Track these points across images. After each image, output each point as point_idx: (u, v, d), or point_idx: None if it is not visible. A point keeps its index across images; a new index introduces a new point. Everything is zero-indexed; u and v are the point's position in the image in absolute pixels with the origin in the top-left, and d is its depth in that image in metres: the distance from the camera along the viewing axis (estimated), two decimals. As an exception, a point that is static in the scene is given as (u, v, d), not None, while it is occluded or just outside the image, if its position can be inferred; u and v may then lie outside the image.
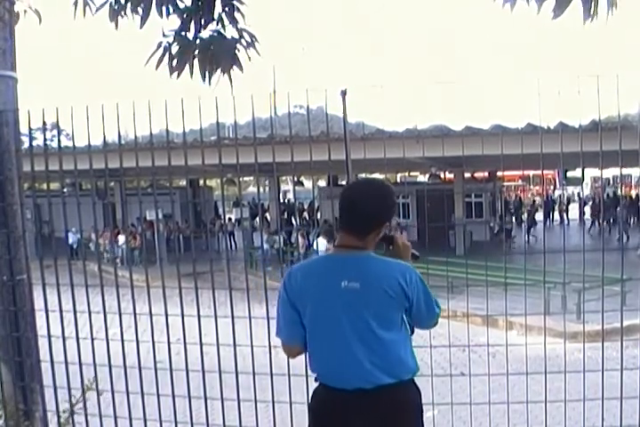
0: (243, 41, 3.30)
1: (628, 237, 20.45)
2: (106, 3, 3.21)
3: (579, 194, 31.55)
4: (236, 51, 3.30)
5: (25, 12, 3.59)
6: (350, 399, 2.31)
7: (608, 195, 27.23)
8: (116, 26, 3.23)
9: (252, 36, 3.31)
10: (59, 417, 3.56)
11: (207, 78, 3.28)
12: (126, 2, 3.18)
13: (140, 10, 3.17)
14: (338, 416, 2.34)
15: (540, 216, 28.55)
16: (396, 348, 2.32)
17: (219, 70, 3.30)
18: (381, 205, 2.32)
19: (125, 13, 3.20)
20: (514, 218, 28.27)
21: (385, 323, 2.29)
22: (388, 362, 2.30)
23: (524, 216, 28.10)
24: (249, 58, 3.32)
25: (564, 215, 28.33)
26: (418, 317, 2.39)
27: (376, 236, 2.34)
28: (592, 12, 2.74)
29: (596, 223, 24.73)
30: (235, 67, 3.32)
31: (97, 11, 3.23)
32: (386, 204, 2.34)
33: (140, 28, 3.16)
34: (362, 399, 2.29)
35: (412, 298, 2.29)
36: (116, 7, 3.19)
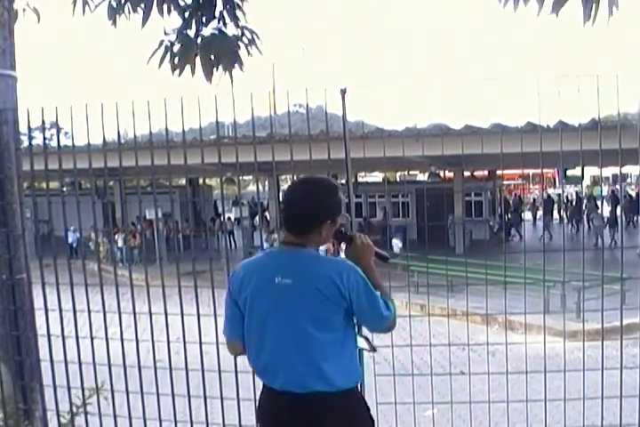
0: (244, 39, 3.30)
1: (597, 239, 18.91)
2: (104, 1, 3.21)
3: (576, 193, 31.46)
4: (238, 49, 3.30)
5: (24, 10, 3.58)
6: (281, 400, 2.24)
7: (628, 193, 26.58)
8: (115, 24, 3.23)
9: (253, 33, 3.31)
10: (58, 417, 3.56)
11: (209, 77, 3.27)
12: (125, 1, 3.18)
13: (140, 9, 3.16)
14: (273, 415, 2.29)
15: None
16: (333, 352, 2.20)
17: (220, 68, 3.29)
18: (318, 204, 2.23)
19: (124, 12, 3.20)
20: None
21: (321, 323, 2.17)
22: (322, 367, 2.18)
23: (527, 214, 28.08)
24: (249, 53, 3.31)
25: (565, 215, 28.22)
26: (361, 318, 2.27)
27: (318, 234, 2.25)
28: (593, 13, 2.72)
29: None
30: (236, 65, 3.32)
31: (95, 8, 3.22)
32: (323, 203, 2.24)
33: (142, 26, 3.15)
34: (292, 402, 2.21)
35: (351, 298, 2.16)
36: (114, 5, 3.19)
